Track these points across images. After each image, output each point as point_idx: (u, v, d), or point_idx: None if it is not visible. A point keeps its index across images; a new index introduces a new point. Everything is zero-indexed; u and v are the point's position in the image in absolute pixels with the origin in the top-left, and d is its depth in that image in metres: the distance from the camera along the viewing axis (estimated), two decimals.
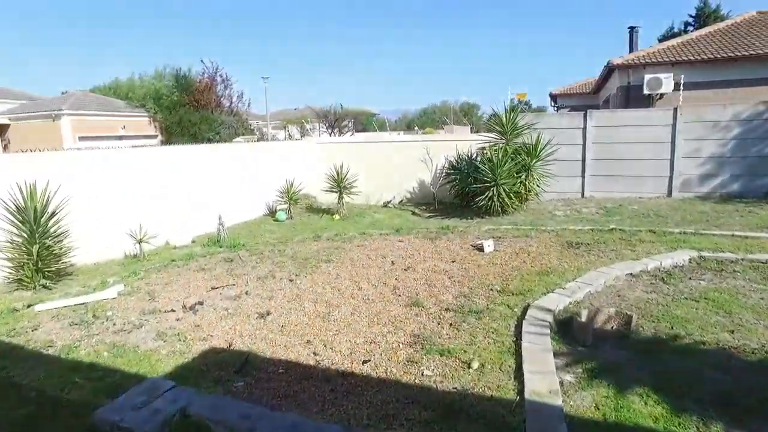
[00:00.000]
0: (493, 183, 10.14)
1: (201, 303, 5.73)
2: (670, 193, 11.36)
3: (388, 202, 12.93)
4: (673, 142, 11.18)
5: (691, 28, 31.97)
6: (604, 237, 8.02)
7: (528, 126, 10.88)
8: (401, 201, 13.04)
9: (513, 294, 5.61)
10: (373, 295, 5.86)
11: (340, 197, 11.84)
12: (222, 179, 10.91)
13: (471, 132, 24.67)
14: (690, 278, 6.05)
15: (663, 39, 29.46)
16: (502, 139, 10.89)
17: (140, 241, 8.20)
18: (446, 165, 12.05)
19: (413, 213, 11.70)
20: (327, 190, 12.19)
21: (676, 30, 33.71)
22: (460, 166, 11.42)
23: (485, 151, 10.95)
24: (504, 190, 10.15)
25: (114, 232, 8.28)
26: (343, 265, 7.26)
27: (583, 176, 11.87)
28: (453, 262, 7.16)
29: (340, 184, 11.82)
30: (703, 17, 32.90)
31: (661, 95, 14.54)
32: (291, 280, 6.62)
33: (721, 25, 17.27)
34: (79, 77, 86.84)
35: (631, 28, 21.51)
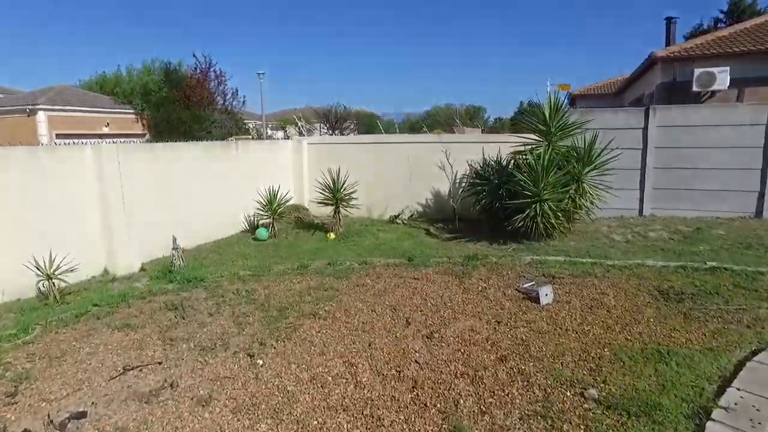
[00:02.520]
0: (535, 198, 7.74)
1: (83, 414, 3.35)
2: (760, 213, 8.90)
3: (396, 217, 10.54)
4: (766, 148, 8.74)
5: (722, 25, 29.52)
6: (708, 282, 5.61)
7: (579, 125, 8.46)
8: (412, 215, 10.65)
9: (625, 411, 3.19)
10: (379, 402, 3.47)
11: (336, 211, 9.46)
12: (188, 187, 8.54)
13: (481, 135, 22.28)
14: None
15: (690, 37, 27.14)
16: (543, 140, 8.48)
17: (50, 277, 5.84)
18: (469, 173, 9.65)
19: (428, 232, 9.30)
20: (320, 202, 9.81)
21: (705, 27, 31.30)
22: (488, 175, 9.02)
23: (522, 156, 8.54)
24: (550, 207, 7.74)
25: (21, 260, 5.94)
26: (335, 324, 4.88)
27: (641, 189, 9.44)
28: (498, 323, 4.76)
29: (336, 194, 9.44)
30: (737, 12, 30.46)
31: (713, 93, 12.14)
32: (251, 356, 4.24)
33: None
34: (69, 73, 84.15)
35: (668, 19, 19.11)
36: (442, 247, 8.09)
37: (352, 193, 9.66)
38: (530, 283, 5.76)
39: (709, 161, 9.04)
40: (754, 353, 3.93)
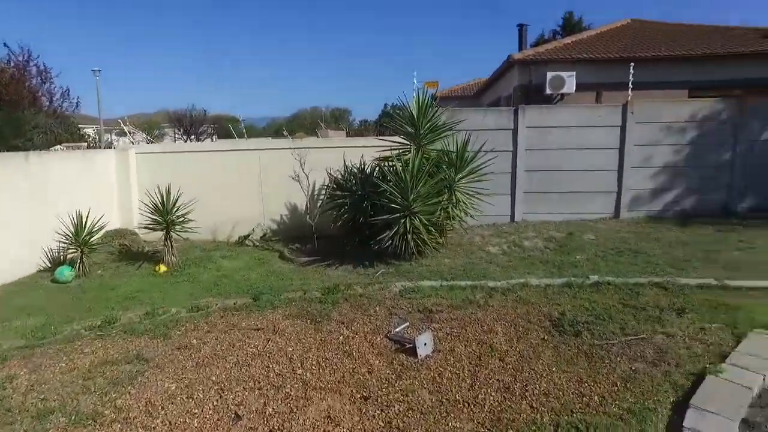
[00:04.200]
0: (404, 211, 6.68)
1: None
2: (617, 214, 8.87)
3: (246, 238, 8.87)
4: (621, 149, 8.70)
5: (559, 36, 32.17)
6: (597, 302, 4.91)
7: (450, 126, 7.60)
8: (265, 235, 9.06)
9: None
10: None
11: (168, 237, 7.52)
12: None
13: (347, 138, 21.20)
14: None
15: (535, 45, 29.13)
16: (411, 144, 7.48)
17: None
18: (329, 183, 8.35)
19: (282, 256, 7.81)
20: (146, 227, 7.81)
21: (546, 37, 33.96)
22: (350, 185, 7.81)
23: (389, 163, 7.45)
24: (421, 221, 6.73)
25: None
26: None
27: (513, 194, 8.93)
28: (366, 399, 3.48)
29: (166, 216, 7.51)
30: (569, 26, 33.50)
31: (563, 95, 12.43)
32: None
33: (603, 29, 15.93)
34: None
35: (521, 26, 19.80)
36: (297, 276, 6.67)
37: (187, 213, 7.80)
38: (404, 325, 4.59)
39: (574, 162, 8.81)
40: (676, 410, 3.12)
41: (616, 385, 3.42)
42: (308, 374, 3.86)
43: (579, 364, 3.73)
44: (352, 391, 3.58)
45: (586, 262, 6.40)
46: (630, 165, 8.72)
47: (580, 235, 7.80)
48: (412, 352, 4.03)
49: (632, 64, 9.48)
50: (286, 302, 5.46)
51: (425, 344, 4.03)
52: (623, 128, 8.63)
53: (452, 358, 3.95)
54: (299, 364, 4.03)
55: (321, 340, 4.46)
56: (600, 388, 3.41)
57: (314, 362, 4.05)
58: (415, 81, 8.65)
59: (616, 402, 3.23)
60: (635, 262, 6.33)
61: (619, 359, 3.78)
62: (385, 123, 8.41)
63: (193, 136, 28.52)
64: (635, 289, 5.24)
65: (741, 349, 3.86)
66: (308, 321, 4.89)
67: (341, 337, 4.48)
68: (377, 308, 5.10)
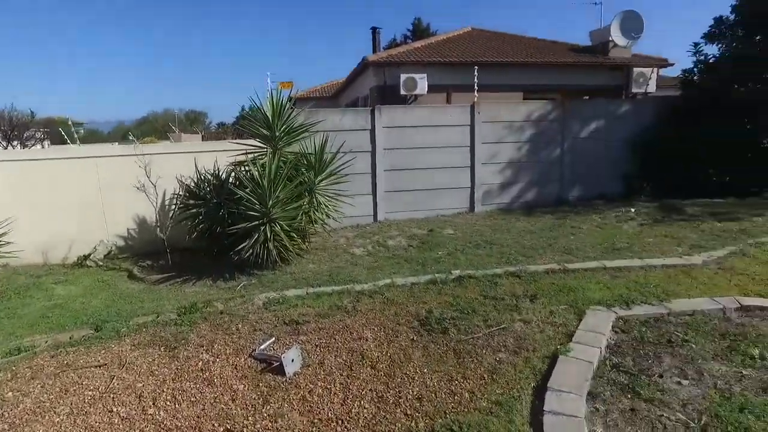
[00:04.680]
0: (263, 218, 6.32)
1: None
2: (472, 208, 9.47)
3: (87, 258, 7.73)
4: (472, 146, 9.28)
5: (410, 40, 33.79)
6: (461, 297, 5.10)
7: (307, 127, 7.37)
8: (110, 253, 7.99)
9: None
10: None
11: None
12: None
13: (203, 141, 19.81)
14: (661, 376, 3.50)
15: (388, 48, 30.26)
16: (267, 147, 7.11)
17: None
18: (181, 192, 7.62)
19: (131, 275, 6.95)
20: None
21: (398, 41, 35.46)
22: (205, 193, 7.20)
23: (245, 168, 7.00)
24: (282, 227, 6.43)
25: None
26: None
27: (374, 194, 9.03)
28: None
29: None
30: (418, 32, 35.40)
31: (416, 96, 13.04)
32: None
33: (449, 35, 17.13)
34: None
35: (374, 29, 20.41)
36: (150, 297, 5.95)
37: (2, 235, 6.54)
38: (269, 341, 4.28)
39: (431, 161, 9.17)
40: (537, 395, 3.31)
41: (484, 378, 3.53)
42: (162, 413, 3.38)
43: (448, 362, 3.79)
44: (213, 425, 3.20)
45: (448, 257, 6.66)
46: (480, 162, 9.35)
47: (441, 230, 8.13)
48: (280, 370, 3.76)
49: (476, 67, 10.17)
50: (136, 329, 4.79)
51: (293, 360, 3.78)
52: (472, 127, 9.22)
53: (322, 372, 3.76)
54: (151, 402, 3.51)
55: (177, 369, 3.96)
56: (470, 383, 3.48)
57: (169, 397, 3.56)
58: (269, 81, 8.28)
59: (485, 396, 3.31)
60: (491, 253, 6.74)
61: (484, 352, 3.92)
62: (241, 126, 7.91)
63: (16, 142, 24.37)
64: (493, 280, 5.54)
65: (583, 327, 4.26)
66: (162, 348, 4.33)
67: (201, 363, 4.03)
68: (240, 325, 4.71)
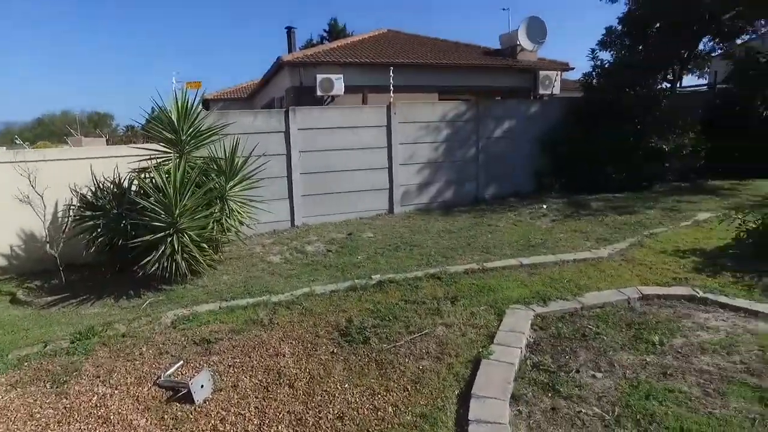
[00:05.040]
0: (170, 228, 5.84)
1: None
2: (392, 209, 9.44)
3: None
4: (389, 147, 9.24)
5: (326, 41, 33.48)
6: (382, 302, 4.99)
7: (216, 130, 6.93)
8: None
9: None
10: None
11: None
12: None
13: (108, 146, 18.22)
14: (578, 371, 3.58)
15: (304, 48, 29.84)
16: (173, 152, 6.60)
17: None
18: (76, 202, 6.87)
19: (15, 299, 6.15)
20: None
21: (314, 42, 35.00)
22: (103, 203, 6.55)
23: (148, 175, 6.44)
24: (191, 237, 5.99)
25: None
26: None
27: (291, 198, 8.72)
28: None
29: None
30: (335, 32, 35.18)
31: (333, 97, 12.89)
32: None
33: (365, 36, 17.15)
34: None
35: (289, 29, 19.87)
36: (37, 323, 5.28)
37: None
38: (177, 365, 3.91)
39: (349, 162, 9.03)
40: (462, 403, 3.25)
41: (408, 390, 3.42)
42: None
43: (371, 375, 3.65)
44: None
45: (368, 262, 6.54)
46: (398, 163, 9.34)
47: (360, 234, 8.01)
48: (188, 398, 3.42)
49: (392, 68, 10.16)
50: (15, 364, 4.20)
51: (203, 386, 3.46)
52: (389, 128, 9.18)
53: (236, 396, 3.48)
54: None
55: (66, 408, 3.49)
56: (393, 396, 3.36)
57: None
58: (174, 81, 7.74)
59: (410, 409, 3.21)
60: (411, 255, 6.71)
61: (407, 360, 3.82)
62: (145, 129, 7.29)
63: None
64: (414, 283, 5.49)
65: (503, 327, 4.30)
66: (48, 384, 3.81)
67: (95, 398, 3.59)
68: (144, 349, 4.27)
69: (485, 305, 4.78)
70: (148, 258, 5.77)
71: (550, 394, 3.34)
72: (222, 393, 3.53)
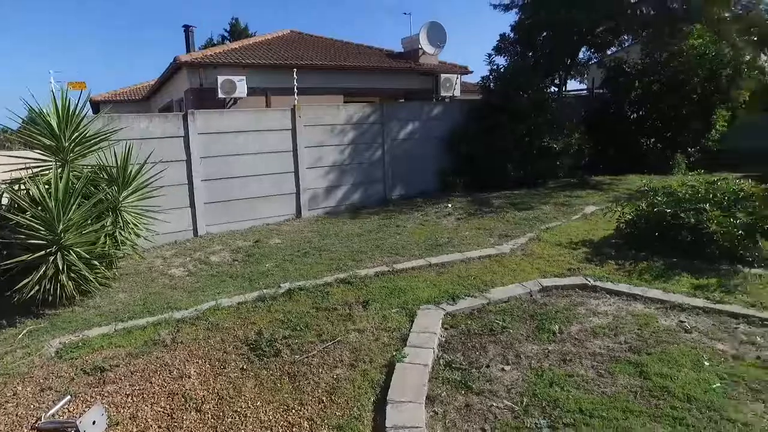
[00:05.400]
0: (52, 246, 5.26)
1: None
2: (299, 214, 9.26)
3: None
4: (295, 151, 9.05)
5: (228, 41, 32.21)
6: (292, 311, 4.85)
7: (105, 135, 6.34)
8: None
9: None
10: None
11: None
12: None
13: None
14: (488, 366, 3.72)
15: (204, 48, 28.52)
16: (55, 160, 5.94)
17: None
18: None
19: None
20: None
21: (215, 41, 33.52)
22: None
23: (22, 187, 5.73)
24: (79, 254, 5.43)
25: None
26: None
27: (192, 206, 8.24)
28: None
29: None
30: (236, 33, 33.94)
31: (236, 100, 12.44)
32: None
33: (268, 37, 16.73)
34: None
35: (186, 27, 18.75)
36: None
37: None
38: (63, 401, 3.51)
39: (254, 167, 8.74)
40: (378, 410, 3.24)
41: (323, 402, 3.35)
42: None
43: (284, 389, 3.52)
44: None
45: (276, 269, 6.35)
46: (305, 166, 9.19)
47: (267, 240, 7.77)
48: None
49: (295, 70, 9.97)
50: None
51: (94, 422, 3.13)
52: (294, 131, 9.01)
53: (135, 429, 3.19)
54: None
55: None
56: (308, 410, 3.27)
57: None
58: (52, 81, 7.01)
59: (326, 422, 3.13)
60: (321, 260, 6.61)
61: (321, 371, 3.74)
62: (21, 135, 6.47)
63: None
64: (325, 289, 5.42)
65: (415, 329, 4.35)
66: None
67: None
68: (20, 387, 3.79)
69: (397, 307, 4.83)
70: (26, 280, 5.14)
71: (463, 392, 3.44)
72: (119, 427, 3.22)
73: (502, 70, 12.25)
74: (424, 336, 4.18)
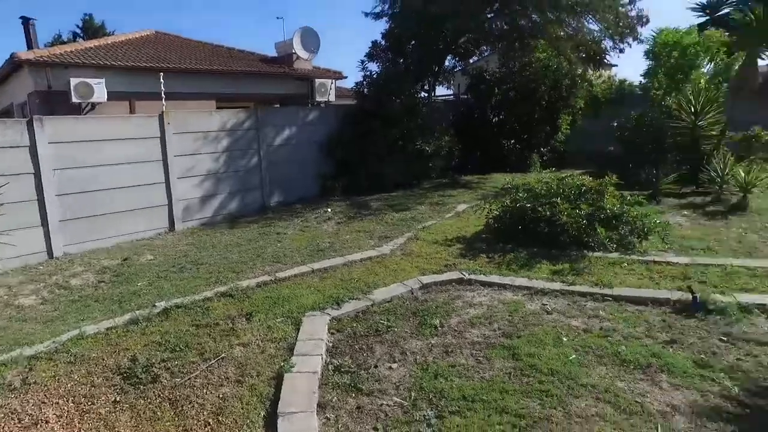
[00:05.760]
0: None
1: None
2: (173, 227, 8.69)
3: None
4: (165, 160, 8.47)
5: (81, 39, 29.03)
6: (170, 333, 4.54)
7: None
8: None
9: None
10: None
11: None
12: None
13: None
14: (376, 366, 3.82)
15: (52, 45, 25.45)
16: None
17: None
18: None
19: None
20: None
21: (65, 38, 30.01)
22: None
23: None
24: None
25: None
26: None
27: (45, 225, 7.31)
28: None
29: None
30: (91, 30, 30.77)
31: (94, 105, 11.34)
32: None
33: (129, 36, 15.45)
34: None
35: (25, 20, 16.34)
36: None
37: None
38: None
39: (118, 179, 8.04)
40: (269, 425, 3.17)
41: (209, 424, 3.19)
42: None
43: (165, 417, 3.28)
44: None
45: (150, 288, 5.89)
46: (176, 176, 8.65)
47: (138, 258, 7.18)
48: None
49: (161, 73, 9.33)
50: None
51: None
52: (163, 139, 8.44)
53: None
54: None
55: None
56: None
57: None
58: None
59: None
60: (199, 274, 6.28)
61: (205, 391, 3.55)
62: None
63: None
64: (204, 304, 5.15)
65: (302, 337, 4.32)
66: None
67: None
68: None
69: (282, 317, 4.76)
70: None
71: (354, 394, 3.49)
72: None
73: (375, 76, 12.64)
74: (311, 343, 4.17)
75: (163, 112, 8.55)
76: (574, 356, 3.84)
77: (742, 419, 3.03)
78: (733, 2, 14.67)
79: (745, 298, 4.65)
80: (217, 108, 12.19)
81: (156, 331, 4.59)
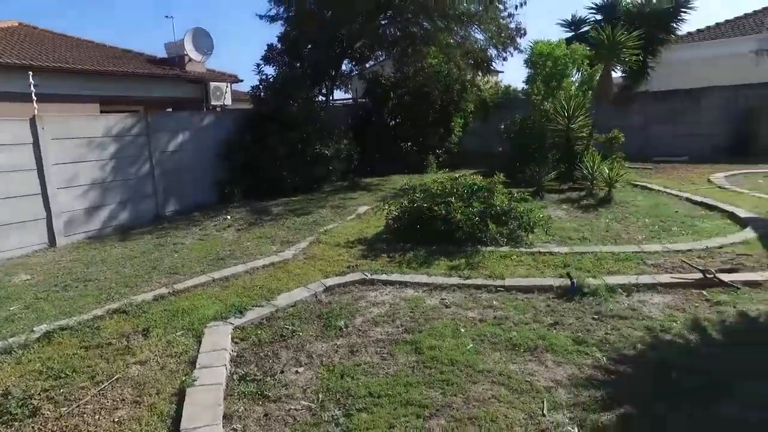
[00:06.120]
0: None
1: None
2: (53, 242, 7.93)
3: None
4: (40, 169, 7.70)
5: None
6: (54, 358, 4.17)
7: None
8: None
9: None
10: None
11: None
12: None
13: None
14: (282, 372, 3.82)
15: None
16: None
17: None
18: None
19: None
20: None
21: None
22: None
23: None
24: None
25: None
26: None
27: None
28: None
29: None
30: None
31: None
32: None
33: None
34: None
35: None
36: None
37: None
38: None
39: None
40: None
41: None
42: None
43: None
44: None
45: (27, 311, 5.36)
46: (56, 186, 7.93)
47: (10, 279, 6.49)
48: None
49: (31, 72, 8.46)
50: None
51: None
52: (37, 146, 7.68)
53: None
54: None
55: None
56: None
57: None
58: None
59: None
60: (87, 292, 5.82)
61: (98, 417, 3.33)
62: None
63: None
64: (94, 324, 4.81)
65: (204, 349, 4.20)
66: None
67: None
68: None
69: (182, 330, 4.58)
70: None
71: (261, 402, 3.48)
72: None
73: (271, 79, 12.46)
74: (214, 354, 4.07)
75: (35, 115, 7.77)
76: (471, 345, 4.13)
77: (608, 384, 3.48)
78: (592, 21, 16.66)
79: (611, 279, 5.30)
80: (102, 112, 11.31)
81: (35, 358, 4.20)
